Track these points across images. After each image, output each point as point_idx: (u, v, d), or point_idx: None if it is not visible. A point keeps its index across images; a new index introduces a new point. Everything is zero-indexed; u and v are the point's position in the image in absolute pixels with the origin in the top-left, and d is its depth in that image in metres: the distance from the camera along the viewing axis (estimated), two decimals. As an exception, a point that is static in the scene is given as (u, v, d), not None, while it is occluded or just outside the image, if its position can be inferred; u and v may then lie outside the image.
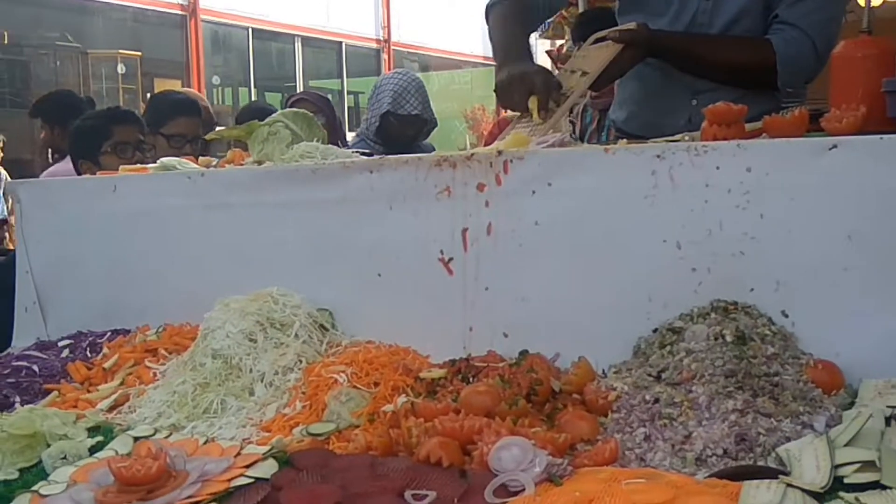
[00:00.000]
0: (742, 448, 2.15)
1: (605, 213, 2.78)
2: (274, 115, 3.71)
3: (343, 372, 2.74)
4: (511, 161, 2.89)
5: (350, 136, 6.84)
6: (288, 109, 3.89)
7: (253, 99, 20.24)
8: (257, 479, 2.25)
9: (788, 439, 2.14)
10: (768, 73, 3.44)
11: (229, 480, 2.26)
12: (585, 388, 2.53)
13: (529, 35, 3.83)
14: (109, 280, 3.54)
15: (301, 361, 2.87)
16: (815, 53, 3.40)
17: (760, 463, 2.09)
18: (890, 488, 1.86)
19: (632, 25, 3.43)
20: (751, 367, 2.35)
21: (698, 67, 3.54)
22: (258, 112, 5.69)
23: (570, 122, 5.83)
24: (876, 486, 1.89)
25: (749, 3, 3.50)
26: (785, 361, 2.39)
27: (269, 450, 2.41)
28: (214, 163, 3.66)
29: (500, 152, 2.91)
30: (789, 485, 1.90)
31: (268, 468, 2.30)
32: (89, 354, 3.21)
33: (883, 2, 9.72)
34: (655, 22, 3.54)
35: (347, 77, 24.31)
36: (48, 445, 2.51)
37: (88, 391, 2.98)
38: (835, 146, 2.49)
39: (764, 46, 3.43)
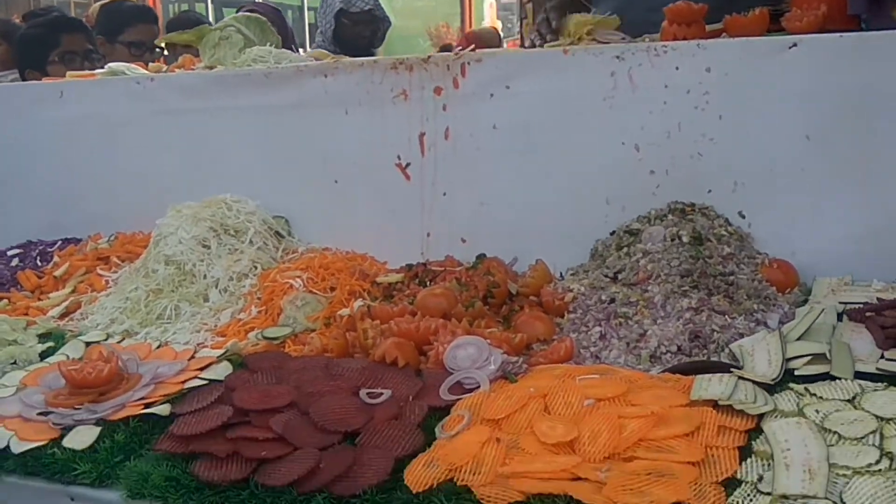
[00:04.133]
0: (696, 345, 2.16)
1: (564, 115, 2.74)
2: (226, 19, 3.60)
3: (299, 277, 2.71)
4: (469, 63, 2.83)
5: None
6: (240, 14, 3.77)
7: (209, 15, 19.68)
8: (211, 380, 2.23)
9: (742, 336, 2.16)
10: None
11: (183, 382, 2.23)
12: (542, 290, 2.52)
13: None
14: (58, 190, 3.45)
15: (256, 268, 2.83)
16: None
17: (714, 359, 2.11)
18: (839, 379, 1.88)
19: None
20: (706, 266, 2.35)
21: None
22: (189, 21, 5.48)
23: None
24: (826, 377, 1.91)
25: None
26: (740, 261, 2.40)
27: (224, 353, 2.38)
28: (164, 69, 3.55)
29: (457, 55, 2.85)
30: (741, 377, 1.92)
31: (222, 370, 2.28)
32: (39, 263, 3.15)
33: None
34: None
35: (308, -8, 23.73)
36: (-2, 351, 2.47)
37: (39, 299, 2.93)
38: (794, 45, 2.46)
39: None
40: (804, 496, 1.53)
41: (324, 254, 2.87)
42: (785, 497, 1.54)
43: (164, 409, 2.11)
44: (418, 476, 1.78)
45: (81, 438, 2.05)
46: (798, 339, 2.06)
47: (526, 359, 2.20)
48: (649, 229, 2.51)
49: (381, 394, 2.08)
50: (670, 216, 2.53)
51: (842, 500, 1.52)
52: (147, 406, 2.14)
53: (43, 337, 2.60)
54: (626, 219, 2.63)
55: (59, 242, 3.28)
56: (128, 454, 2.04)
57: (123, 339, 2.57)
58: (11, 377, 2.35)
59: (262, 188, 3.08)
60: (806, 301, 2.31)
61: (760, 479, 1.61)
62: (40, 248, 3.25)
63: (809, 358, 1.97)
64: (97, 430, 2.08)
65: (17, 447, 2.06)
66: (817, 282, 2.39)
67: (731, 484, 1.65)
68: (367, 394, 2.08)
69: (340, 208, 3.05)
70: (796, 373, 1.94)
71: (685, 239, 2.42)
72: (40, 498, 2.05)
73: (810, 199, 2.49)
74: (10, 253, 3.24)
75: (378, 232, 2.98)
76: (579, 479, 1.70)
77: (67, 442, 2.05)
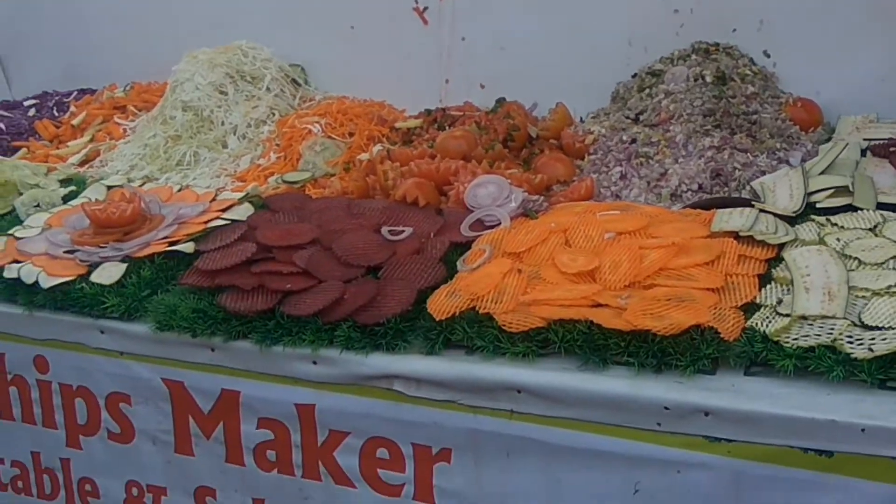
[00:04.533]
0: (717, 182, 2.15)
1: (588, -45, 2.66)
2: None
3: (317, 122, 2.69)
4: None
5: None
6: None
7: None
8: (233, 221, 2.24)
9: (764, 174, 2.15)
10: None
11: (206, 222, 2.25)
12: (562, 133, 2.51)
13: None
14: (71, 42, 3.41)
15: (274, 114, 2.82)
16: None
17: (735, 196, 2.10)
18: (861, 209, 1.88)
19: None
20: (729, 105, 2.32)
21: None
22: None
23: None
24: (848, 209, 1.91)
25: None
26: (764, 100, 2.37)
27: (245, 195, 2.39)
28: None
29: None
30: (762, 210, 1.92)
31: (244, 211, 2.29)
32: (56, 113, 3.14)
33: None
34: None
35: None
36: (20, 194, 2.48)
37: (58, 148, 2.93)
38: None
39: None
40: (823, 316, 1.56)
41: (341, 100, 2.84)
42: (804, 318, 1.57)
43: (188, 247, 2.14)
44: (441, 305, 1.82)
45: (108, 274, 2.09)
46: (820, 174, 2.05)
47: (546, 198, 2.21)
48: (672, 70, 2.47)
49: (403, 231, 2.10)
50: (694, 56, 2.48)
51: (860, 319, 1.54)
52: (171, 244, 2.17)
53: (64, 182, 2.61)
54: (649, 60, 2.58)
55: (75, 93, 3.26)
56: (154, 289, 2.08)
57: (144, 184, 2.58)
58: (35, 219, 2.38)
59: (278, 36, 3.03)
60: (829, 139, 2.29)
61: (780, 302, 1.63)
62: (56, 98, 3.24)
63: (832, 191, 1.96)
64: (123, 266, 2.11)
65: (46, 282, 2.10)
66: (842, 120, 2.36)
67: (750, 309, 1.67)
68: (389, 231, 2.10)
69: (357, 55, 3.00)
70: (818, 206, 1.94)
71: (708, 79, 2.39)
72: (72, 332, 2.11)
73: (837, 38, 2.44)
74: (26, 103, 3.23)
75: (395, 79, 2.94)
76: (600, 305, 1.72)
77: (95, 277, 2.09)
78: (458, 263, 1.97)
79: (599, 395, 1.63)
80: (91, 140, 2.92)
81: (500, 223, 2.08)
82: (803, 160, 2.20)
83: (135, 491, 2.17)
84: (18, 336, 2.18)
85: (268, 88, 2.86)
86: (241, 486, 2.04)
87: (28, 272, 2.13)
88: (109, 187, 2.52)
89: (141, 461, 2.14)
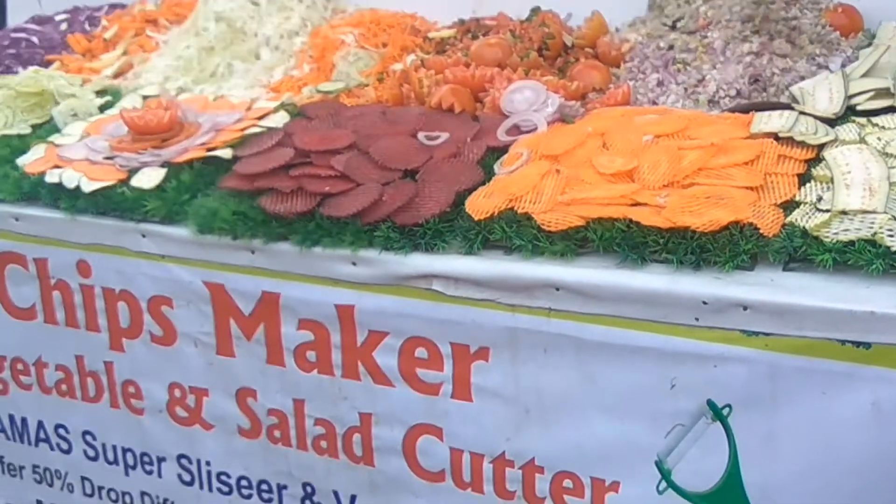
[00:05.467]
0: (755, 88, 2.14)
1: None
2: None
3: (350, 33, 2.68)
4: None
5: None
6: None
7: None
8: (270, 128, 2.25)
9: (803, 79, 2.13)
10: None
11: (242, 130, 2.26)
12: (598, 42, 2.48)
13: None
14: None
15: (306, 26, 2.80)
16: None
17: (774, 100, 2.09)
18: (903, 110, 1.87)
19: None
20: (769, 11, 2.29)
21: None
22: None
23: None
24: (889, 111, 1.89)
25: None
26: (804, 6, 2.34)
27: (280, 104, 2.40)
28: None
29: None
30: (802, 112, 1.91)
31: (280, 119, 2.30)
32: (88, 28, 3.13)
33: None
34: None
35: None
36: (57, 104, 2.50)
37: (90, 62, 2.93)
38: None
39: None
40: (863, 211, 1.56)
41: (374, 10, 2.82)
42: (844, 212, 1.57)
43: (226, 153, 2.16)
44: (479, 205, 1.83)
45: (148, 178, 2.12)
46: (861, 77, 2.03)
47: (582, 104, 2.20)
48: (710, -24, 2.43)
49: (439, 136, 2.10)
50: (732, -38, 2.44)
51: (901, 214, 1.54)
52: (209, 150, 2.18)
53: (99, 93, 2.62)
54: (686, -32, 2.54)
55: (106, 7, 3.25)
56: (194, 193, 2.10)
57: (178, 94, 2.59)
58: (73, 127, 2.40)
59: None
60: (870, 45, 2.26)
61: (819, 199, 1.64)
62: (87, 13, 3.23)
63: (872, 94, 1.95)
64: (163, 171, 2.14)
65: (88, 186, 2.13)
66: (882, 26, 2.32)
67: (789, 207, 1.68)
68: (425, 136, 2.11)
69: (389, -33, 2.97)
70: (858, 108, 1.93)
71: (747, -16, 2.35)
72: (114, 236, 2.15)
73: (880, -59, 2.39)
74: (57, 18, 3.23)
75: (427, -9, 2.91)
76: (638, 204, 1.73)
77: (136, 182, 2.12)
78: (495, 166, 1.98)
79: (637, 291, 1.65)
80: (123, 53, 2.92)
81: (536, 128, 2.08)
82: (843, 66, 2.17)
83: (177, 392, 2.22)
84: (61, 240, 2.22)
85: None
86: (281, 386, 2.09)
87: (70, 177, 2.16)
88: (145, 97, 2.53)
89: (183, 363, 2.18)
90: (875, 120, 1.84)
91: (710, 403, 1.64)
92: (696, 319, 1.62)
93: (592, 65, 2.39)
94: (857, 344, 1.50)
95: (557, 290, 1.72)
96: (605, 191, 1.77)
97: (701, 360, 1.63)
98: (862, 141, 1.77)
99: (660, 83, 2.24)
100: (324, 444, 2.08)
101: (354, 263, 1.90)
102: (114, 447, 2.35)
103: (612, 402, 1.74)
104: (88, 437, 2.38)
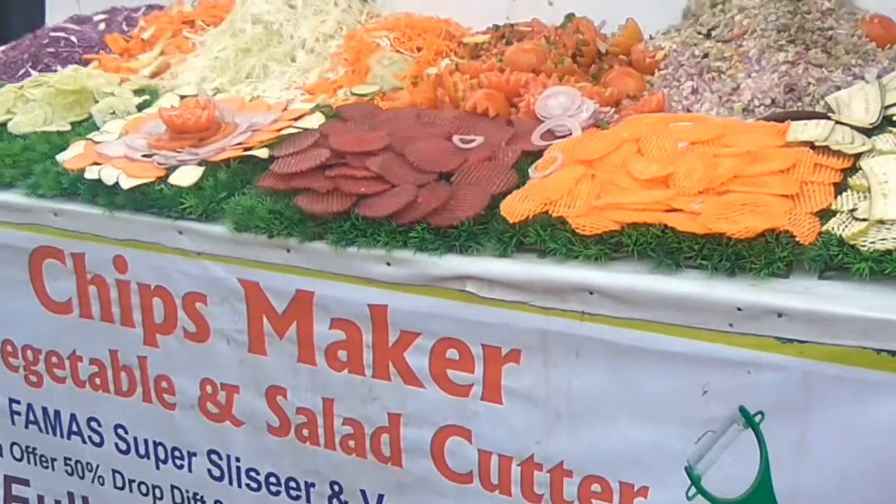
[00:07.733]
0: (791, 97, 2.14)
1: None
2: None
3: (385, 37, 2.70)
4: None
5: None
6: None
7: None
8: (305, 129, 2.28)
9: (838, 89, 2.12)
10: None
11: (278, 130, 2.29)
12: (632, 49, 2.49)
13: None
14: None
15: (342, 29, 2.83)
16: None
17: (809, 110, 2.09)
18: (941, 122, 1.86)
19: None
20: (804, 21, 2.29)
21: None
22: None
23: None
24: (926, 124, 1.89)
25: None
26: (840, 16, 2.33)
27: (316, 106, 2.42)
28: None
29: None
30: (838, 122, 1.91)
31: (315, 120, 2.32)
32: (125, 28, 3.18)
33: None
34: None
35: None
36: (96, 102, 2.54)
37: (128, 61, 2.97)
38: None
39: None
40: (902, 220, 1.56)
41: (409, 15, 2.85)
42: (881, 222, 1.57)
43: (263, 152, 2.18)
44: (514, 209, 1.84)
45: (186, 176, 2.15)
46: (898, 88, 2.03)
47: (617, 111, 2.21)
48: (746, -15, 2.43)
49: (474, 139, 2.12)
50: (768, -28, 2.44)
51: (939, 224, 1.54)
52: (246, 150, 2.21)
53: (137, 92, 2.66)
54: (722, -23, 2.54)
55: (143, 8, 3.29)
56: (231, 191, 2.13)
57: (215, 94, 2.62)
58: (112, 125, 2.43)
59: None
60: (907, 57, 2.26)
61: (855, 208, 1.64)
62: (125, 13, 3.27)
63: (909, 104, 1.95)
64: (200, 169, 2.16)
65: (126, 183, 2.16)
66: (920, 37, 2.32)
67: (825, 216, 1.68)
68: (460, 139, 2.12)
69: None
70: (895, 119, 1.93)
71: (783, -6, 2.36)
72: (151, 232, 2.18)
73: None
74: (95, 18, 3.27)
75: (461, -2, 2.93)
76: (673, 210, 1.74)
77: (173, 179, 2.14)
78: (529, 171, 1.99)
79: (671, 296, 1.66)
80: (161, 53, 2.95)
81: (571, 133, 2.09)
82: (879, 76, 2.17)
83: (209, 389, 2.24)
84: (98, 236, 2.25)
85: (335, 3, 2.87)
86: (312, 385, 2.11)
87: (108, 174, 2.19)
88: (182, 97, 2.56)
89: (215, 360, 2.20)
90: (913, 131, 1.84)
91: (743, 410, 1.65)
92: (731, 326, 1.62)
93: (626, 72, 2.39)
94: (893, 353, 1.50)
95: (591, 293, 1.73)
96: (640, 196, 1.78)
97: (734, 366, 1.64)
98: (899, 151, 1.77)
99: (694, 91, 2.24)
100: (352, 443, 2.10)
101: (389, 263, 1.91)
102: (145, 441, 2.38)
103: (643, 407, 1.74)
104: (120, 431, 2.41)
